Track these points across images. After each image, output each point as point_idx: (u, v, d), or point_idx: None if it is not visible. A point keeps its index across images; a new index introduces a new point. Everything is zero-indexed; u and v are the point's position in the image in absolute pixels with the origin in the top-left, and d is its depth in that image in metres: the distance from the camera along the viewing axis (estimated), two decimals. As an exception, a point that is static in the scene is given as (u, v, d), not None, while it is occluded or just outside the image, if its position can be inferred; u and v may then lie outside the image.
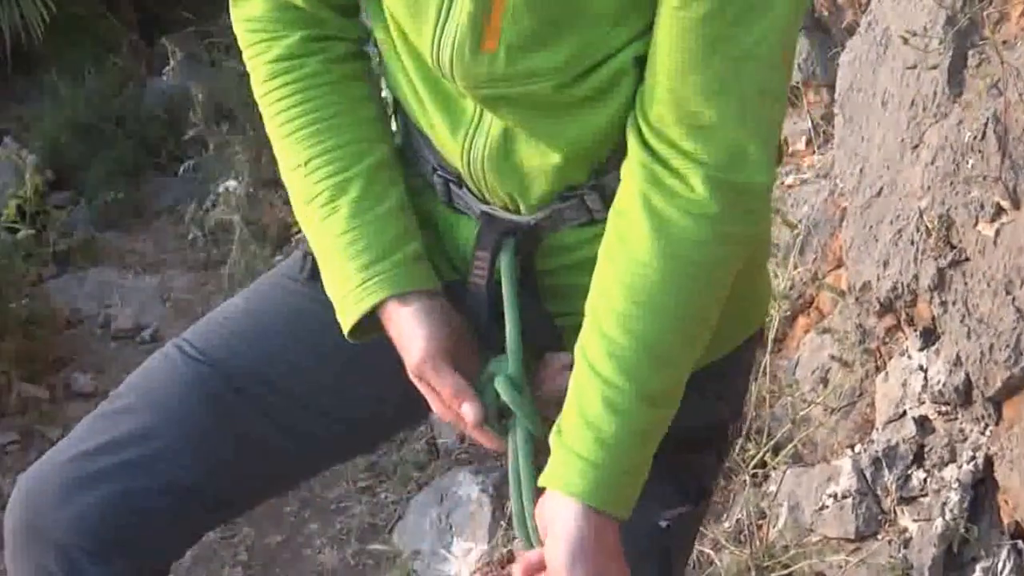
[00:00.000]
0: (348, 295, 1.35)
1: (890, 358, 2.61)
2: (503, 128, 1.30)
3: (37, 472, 1.46)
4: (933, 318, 2.41)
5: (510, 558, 2.95)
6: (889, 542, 2.46)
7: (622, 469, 1.26)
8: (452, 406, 1.32)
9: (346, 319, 1.35)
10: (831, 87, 3.20)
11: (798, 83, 3.49)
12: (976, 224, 2.28)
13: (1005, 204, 2.23)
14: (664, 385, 1.27)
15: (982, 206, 2.27)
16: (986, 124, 2.26)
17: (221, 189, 4.66)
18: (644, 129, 1.24)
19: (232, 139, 4.97)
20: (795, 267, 2.88)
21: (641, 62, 1.24)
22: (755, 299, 1.51)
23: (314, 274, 1.46)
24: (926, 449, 2.46)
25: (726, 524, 2.79)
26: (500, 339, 1.36)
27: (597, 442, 1.25)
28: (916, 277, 2.42)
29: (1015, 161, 2.20)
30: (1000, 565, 2.27)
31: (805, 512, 2.66)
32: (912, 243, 2.44)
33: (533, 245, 1.36)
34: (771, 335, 2.78)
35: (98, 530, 1.40)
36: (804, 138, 3.50)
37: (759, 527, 2.71)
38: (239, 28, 1.45)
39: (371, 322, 1.36)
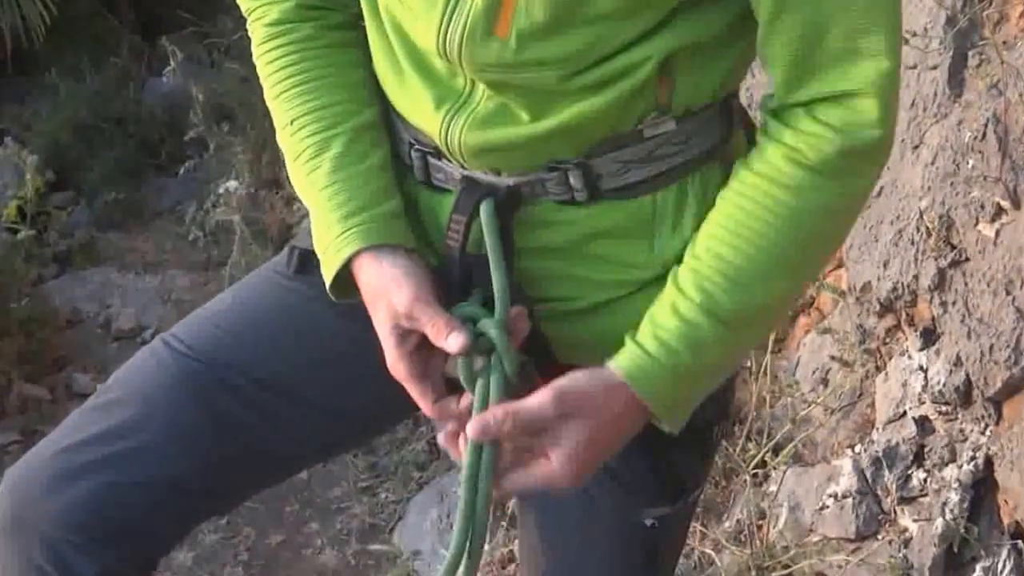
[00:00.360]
0: (329, 247, 1.36)
1: (890, 358, 2.62)
2: (492, 104, 1.30)
3: (24, 466, 1.46)
4: (933, 318, 2.42)
5: (511, 558, 2.95)
6: (889, 542, 2.46)
7: (669, 366, 1.25)
8: (439, 338, 1.29)
9: (328, 271, 1.36)
10: (831, 87, 3.20)
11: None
12: (976, 224, 2.29)
13: (1005, 204, 2.23)
14: (734, 306, 1.26)
15: (982, 206, 2.27)
16: (986, 124, 2.26)
17: (221, 189, 4.66)
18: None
19: (232, 140, 4.97)
20: (795, 267, 2.87)
21: (664, 67, 1.26)
22: None
23: (301, 268, 1.47)
24: (926, 449, 2.46)
25: (726, 524, 2.79)
26: None
27: (652, 334, 1.26)
28: (916, 277, 2.43)
29: (1015, 161, 2.21)
30: (1000, 565, 2.27)
31: (805, 512, 2.66)
32: (912, 243, 2.44)
33: (511, 209, 1.35)
34: (771, 335, 2.79)
35: (85, 523, 1.40)
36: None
37: (759, 527, 2.71)
38: None
39: (352, 279, 1.37)
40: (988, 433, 2.32)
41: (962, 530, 2.32)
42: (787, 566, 2.60)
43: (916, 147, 2.50)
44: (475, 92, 1.31)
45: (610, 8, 1.23)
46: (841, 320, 2.77)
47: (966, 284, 2.30)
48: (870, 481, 2.54)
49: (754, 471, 2.75)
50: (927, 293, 2.39)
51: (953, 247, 2.35)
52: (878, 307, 2.59)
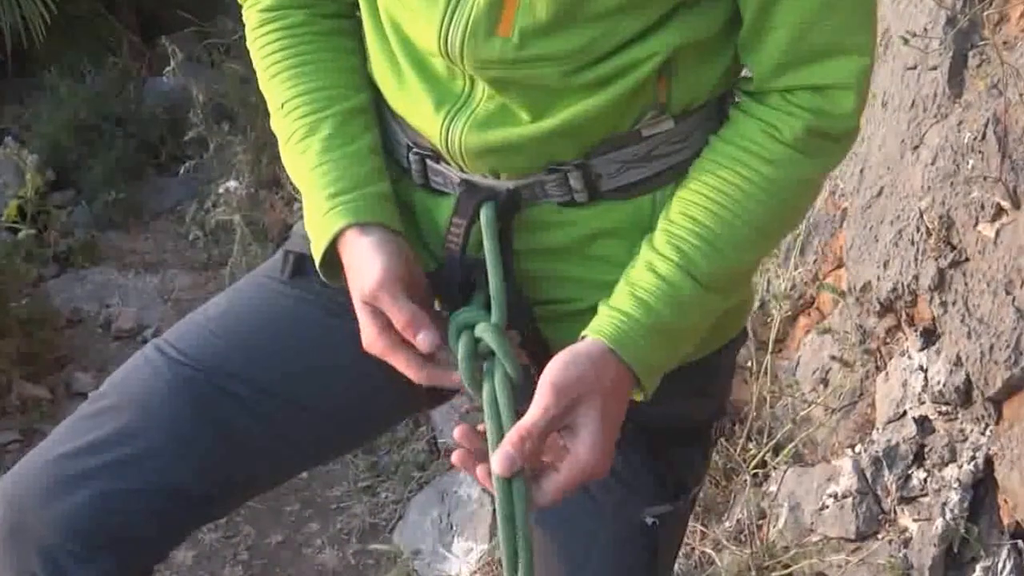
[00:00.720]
0: (317, 226, 1.36)
1: (890, 358, 2.62)
2: (492, 105, 1.31)
3: (19, 474, 1.45)
4: (933, 318, 2.42)
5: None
6: (889, 542, 2.46)
7: (651, 325, 1.26)
8: (406, 333, 1.29)
9: (316, 248, 1.36)
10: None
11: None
12: (976, 224, 2.29)
13: (1005, 204, 2.24)
14: (710, 267, 1.28)
15: (982, 206, 2.27)
16: (986, 125, 2.26)
17: (222, 189, 4.66)
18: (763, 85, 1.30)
19: (233, 139, 4.97)
20: (796, 267, 2.88)
21: (663, 66, 1.27)
22: (738, 301, 1.52)
23: (295, 272, 1.47)
24: (926, 449, 2.46)
25: (727, 524, 2.79)
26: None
27: (631, 295, 1.27)
28: (916, 277, 2.43)
29: (1015, 161, 2.21)
30: (1000, 565, 2.27)
31: (805, 512, 2.66)
32: (912, 243, 2.44)
33: (511, 212, 1.35)
34: (772, 335, 2.79)
35: (82, 531, 1.40)
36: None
37: (759, 527, 2.71)
38: None
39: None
40: (988, 433, 2.32)
41: (962, 530, 2.32)
42: (787, 566, 2.60)
43: (916, 147, 2.51)
44: (474, 93, 1.31)
45: (613, 5, 1.23)
46: (841, 320, 2.78)
47: (966, 284, 2.31)
48: (870, 481, 2.54)
49: (754, 471, 2.75)
50: (927, 293, 2.39)
51: (953, 247, 2.35)
52: (878, 307, 2.59)
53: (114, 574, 1.43)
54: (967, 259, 2.31)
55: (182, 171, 5.31)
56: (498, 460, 1.20)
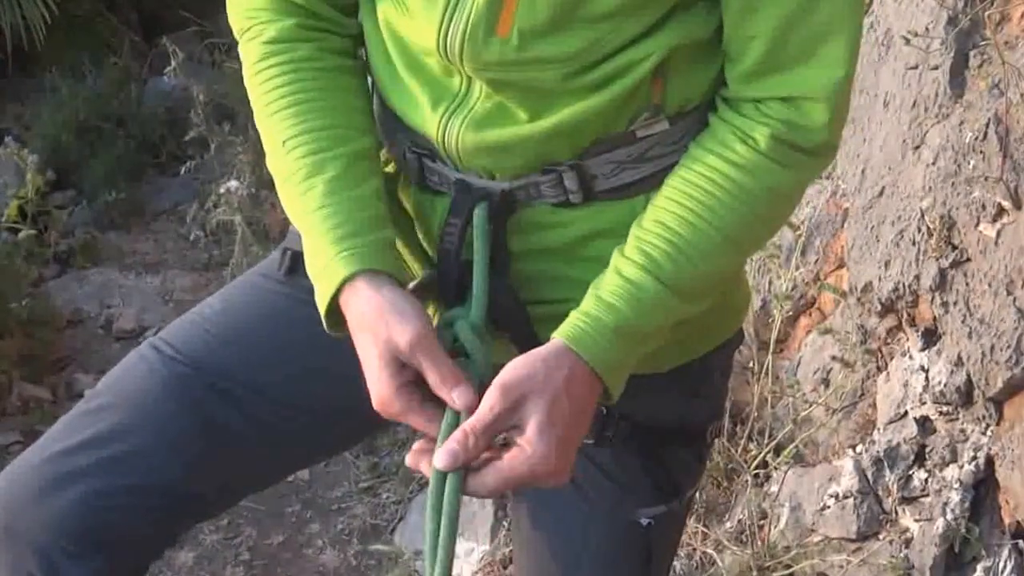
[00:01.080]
0: (322, 271, 1.31)
1: (891, 358, 2.61)
2: (490, 104, 1.30)
3: (14, 473, 1.45)
4: (934, 318, 2.42)
5: (512, 558, 2.95)
6: (890, 542, 2.46)
7: (613, 325, 1.25)
8: (440, 391, 1.26)
9: (322, 297, 1.31)
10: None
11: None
12: (977, 225, 2.29)
13: (1006, 205, 2.24)
14: (676, 270, 1.27)
15: (983, 207, 2.27)
16: (987, 124, 2.26)
17: (222, 189, 4.65)
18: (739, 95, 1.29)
19: (234, 139, 4.97)
20: (797, 268, 2.88)
21: (659, 67, 1.27)
22: (734, 302, 1.53)
23: (292, 270, 1.47)
24: (927, 449, 2.46)
25: (728, 524, 2.79)
26: None
27: (594, 296, 1.26)
28: (917, 278, 2.43)
29: (1016, 161, 2.21)
30: (1001, 565, 2.27)
31: (806, 512, 2.66)
32: (913, 243, 2.44)
33: (506, 213, 1.35)
34: (773, 335, 2.79)
35: (76, 529, 1.40)
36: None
37: (761, 527, 2.71)
38: (237, 15, 1.43)
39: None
40: (989, 433, 2.32)
41: (963, 530, 2.32)
42: (788, 566, 2.60)
43: (917, 147, 2.51)
44: (471, 92, 1.31)
45: (611, 7, 1.23)
46: (842, 320, 2.77)
47: (967, 284, 2.30)
48: (871, 481, 2.54)
49: (755, 471, 2.75)
50: (928, 293, 2.39)
51: (954, 247, 2.35)
52: (879, 307, 2.59)
53: (107, 572, 1.43)
54: (968, 259, 2.31)
55: (183, 171, 5.31)
56: (440, 454, 1.21)
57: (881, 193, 2.62)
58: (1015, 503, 2.25)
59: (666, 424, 1.49)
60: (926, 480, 2.44)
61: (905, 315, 2.52)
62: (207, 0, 6.18)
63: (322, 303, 1.31)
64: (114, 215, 5.38)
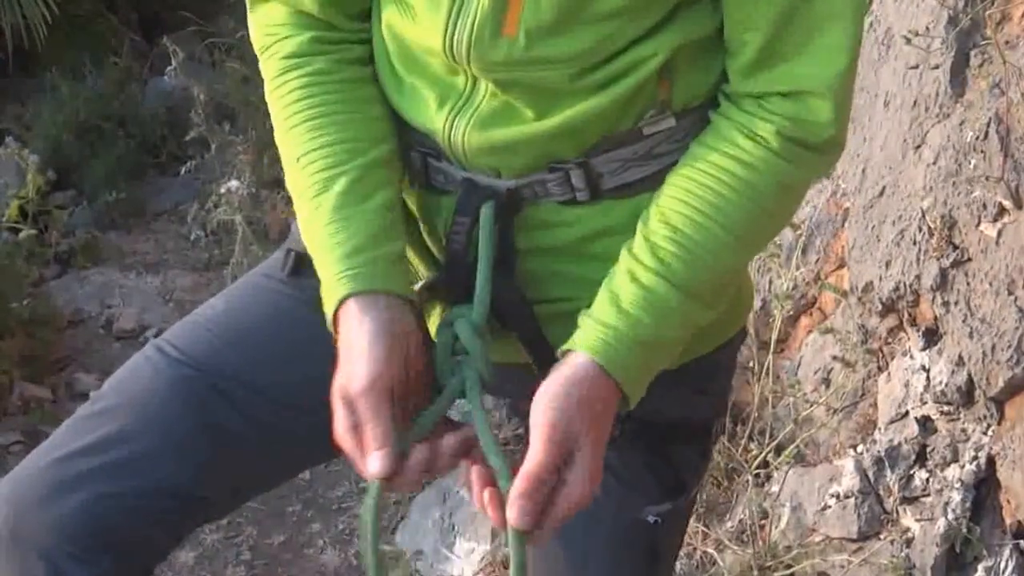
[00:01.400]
0: (326, 289, 1.33)
1: (892, 358, 2.61)
2: (496, 103, 1.30)
3: (18, 476, 1.45)
4: (935, 318, 2.42)
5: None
6: (891, 542, 2.46)
7: (635, 337, 1.25)
8: (366, 449, 1.26)
9: (326, 314, 1.33)
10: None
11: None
12: (978, 224, 2.29)
13: (1007, 204, 2.24)
14: (688, 273, 1.27)
15: (984, 206, 2.27)
16: (988, 124, 2.26)
17: (223, 189, 4.65)
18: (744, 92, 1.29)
19: (234, 139, 4.97)
20: (797, 267, 2.88)
21: (665, 65, 1.27)
22: (738, 300, 1.53)
23: (295, 270, 1.46)
24: (928, 449, 2.46)
25: (729, 524, 2.79)
26: None
27: (613, 306, 1.26)
28: (918, 277, 2.43)
29: (1017, 161, 2.21)
30: (1002, 565, 2.27)
31: (807, 512, 2.66)
32: (914, 243, 2.44)
33: (513, 211, 1.35)
34: (773, 335, 2.79)
35: (82, 532, 1.39)
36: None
37: (762, 527, 2.71)
38: (256, 32, 1.44)
39: None
40: (990, 433, 2.32)
41: (964, 530, 2.32)
42: (789, 566, 2.60)
43: (918, 147, 2.51)
44: (477, 91, 1.31)
45: (617, 6, 1.23)
46: (843, 320, 2.77)
47: (968, 284, 2.30)
48: (872, 481, 2.54)
49: (756, 471, 2.75)
50: (929, 293, 2.39)
51: (955, 247, 2.35)
52: (880, 307, 2.59)
53: (114, 574, 1.42)
54: (969, 259, 2.31)
55: (183, 171, 5.32)
56: (515, 513, 1.21)
57: (882, 193, 2.62)
58: (1016, 503, 2.25)
59: (672, 421, 1.49)
60: (927, 480, 2.44)
61: (906, 315, 2.52)
62: (207, 0, 6.20)
63: (327, 319, 1.33)
64: (115, 215, 5.39)
